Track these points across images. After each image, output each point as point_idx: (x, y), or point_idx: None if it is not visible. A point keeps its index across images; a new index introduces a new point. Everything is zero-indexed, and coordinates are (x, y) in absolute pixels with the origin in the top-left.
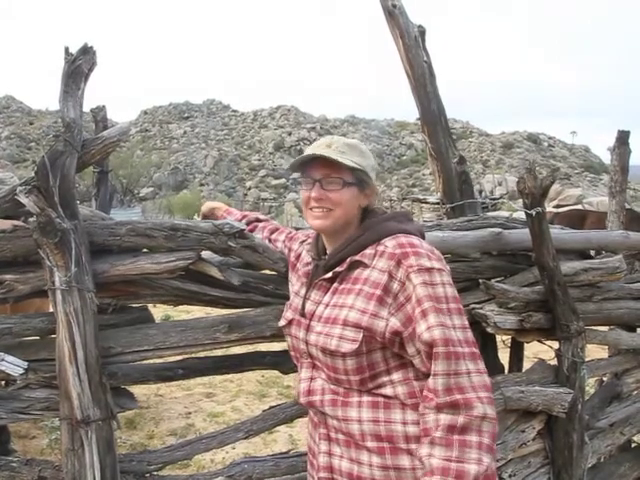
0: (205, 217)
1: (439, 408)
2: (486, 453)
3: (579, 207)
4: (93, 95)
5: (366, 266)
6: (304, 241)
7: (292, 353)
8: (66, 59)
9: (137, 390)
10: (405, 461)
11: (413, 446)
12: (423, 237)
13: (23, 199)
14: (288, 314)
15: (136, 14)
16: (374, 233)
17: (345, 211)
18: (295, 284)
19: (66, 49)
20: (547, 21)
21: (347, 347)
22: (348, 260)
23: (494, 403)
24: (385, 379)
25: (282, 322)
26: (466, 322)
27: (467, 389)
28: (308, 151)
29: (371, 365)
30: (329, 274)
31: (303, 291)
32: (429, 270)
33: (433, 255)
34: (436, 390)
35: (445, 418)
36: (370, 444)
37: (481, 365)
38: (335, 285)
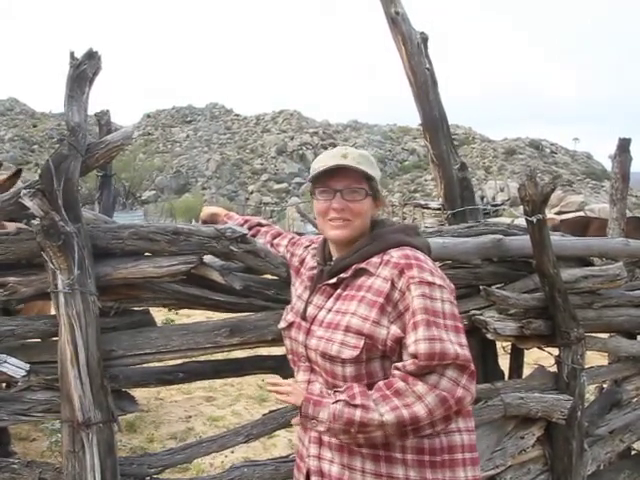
0: (204, 223)
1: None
2: (391, 415)
3: (581, 214)
4: (95, 98)
5: (371, 274)
6: (308, 246)
7: (290, 356)
8: (71, 64)
9: (137, 393)
10: (399, 470)
11: (409, 456)
12: (429, 252)
13: (27, 202)
14: (289, 317)
15: (138, 16)
16: (382, 243)
17: (363, 222)
18: (298, 288)
19: (71, 54)
20: (546, 24)
21: (348, 353)
22: (353, 267)
23: (446, 408)
24: None
25: (282, 324)
26: (464, 340)
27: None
28: (324, 162)
29: (369, 374)
30: (333, 280)
31: (306, 295)
32: (430, 284)
33: (436, 272)
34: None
35: (398, 374)
36: (365, 450)
37: (465, 378)
38: (339, 291)
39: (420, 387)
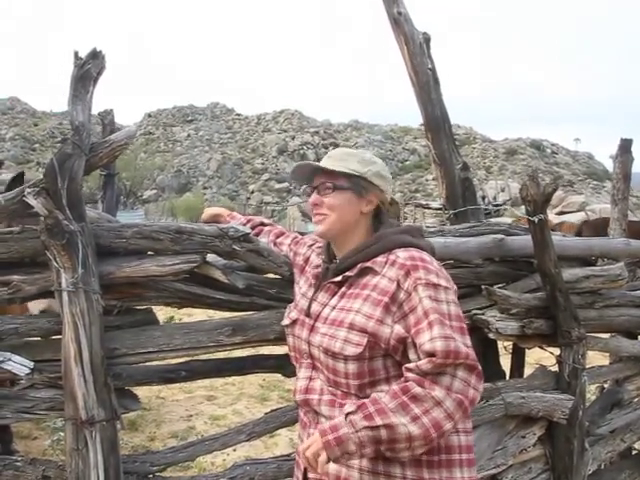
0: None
1: (417, 379)
2: (415, 426)
3: (583, 214)
4: (97, 97)
5: (376, 273)
6: (312, 245)
7: (292, 353)
8: (75, 63)
9: (138, 392)
10: (397, 469)
11: None
12: (434, 254)
13: (32, 201)
14: (293, 314)
15: (139, 15)
16: (387, 242)
17: (340, 216)
18: (303, 286)
19: (75, 53)
20: (546, 24)
21: (351, 350)
22: (359, 266)
23: (463, 410)
24: (384, 387)
25: (286, 321)
26: (469, 341)
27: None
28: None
29: (371, 371)
30: (338, 277)
31: (310, 293)
32: (436, 286)
33: (442, 273)
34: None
35: (413, 378)
36: None
37: (474, 379)
38: (343, 289)
39: (438, 392)
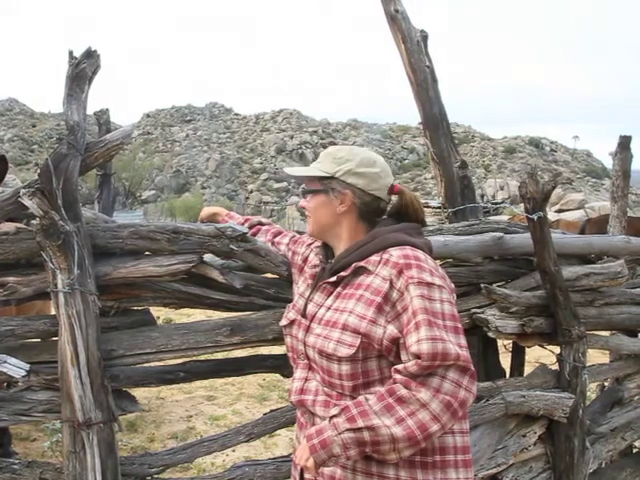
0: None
1: (404, 382)
2: (399, 428)
3: (582, 212)
4: (94, 96)
5: (370, 272)
6: (311, 244)
7: (290, 354)
8: (70, 62)
9: (138, 393)
10: (390, 470)
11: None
12: (431, 252)
13: (27, 201)
14: (291, 314)
15: (138, 16)
16: (382, 241)
17: (316, 219)
18: (301, 286)
19: (70, 53)
20: (546, 23)
21: (344, 351)
22: (353, 266)
23: (452, 412)
24: (378, 388)
25: (284, 322)
26: (463, 341)
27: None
28: None
29: (365, 372)
30: (333, 278)
31: (308, 293)
32: (429, 285)
33: (436, 272)
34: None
35: (400, 379)
36: None
37: (466, 380)
38: (339, 289)
39: (423, 394)
